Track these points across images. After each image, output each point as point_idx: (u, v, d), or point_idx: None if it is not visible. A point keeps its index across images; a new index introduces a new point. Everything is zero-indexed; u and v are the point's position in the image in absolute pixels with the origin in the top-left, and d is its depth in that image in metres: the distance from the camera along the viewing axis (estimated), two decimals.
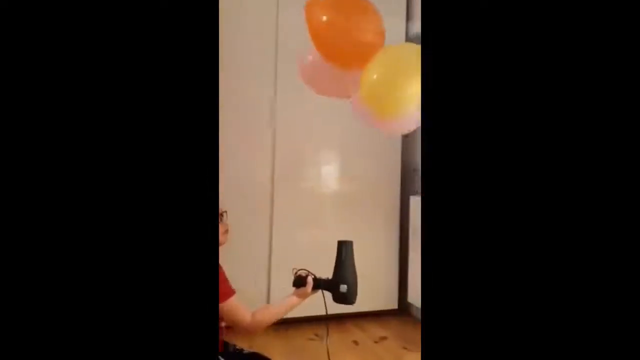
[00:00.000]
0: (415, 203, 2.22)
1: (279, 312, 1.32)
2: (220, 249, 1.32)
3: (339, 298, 1.33)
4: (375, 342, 1.97)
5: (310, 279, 1.33)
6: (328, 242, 2.16)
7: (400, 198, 2.39)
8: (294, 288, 1.35)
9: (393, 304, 2.33)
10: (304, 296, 1.33)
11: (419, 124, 1.29)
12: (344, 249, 1.39)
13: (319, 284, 1.34)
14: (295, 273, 1.37)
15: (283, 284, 2.05)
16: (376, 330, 2.08)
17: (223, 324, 1.36)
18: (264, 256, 2.12)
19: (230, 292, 1.24)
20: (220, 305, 1.18)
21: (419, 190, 2.37)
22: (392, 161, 2.38)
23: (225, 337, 1.39)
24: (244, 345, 1.45)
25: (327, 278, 1.35)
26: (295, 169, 2.21)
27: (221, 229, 1.29)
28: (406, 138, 2.43)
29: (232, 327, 1.31)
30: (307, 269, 1.39)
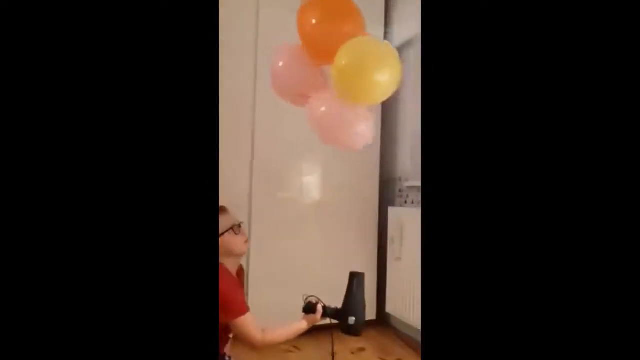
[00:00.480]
0: (393, 213, 2.23)
1: (288, 334, 1.37)
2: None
3: (346, 329, 1.36)
4: (352, 353, 1.96)
5: (320, 307, 1.37)
6: (305, 254, 2.17)
7: (378, 208, 2.40)
8: (303, 314, 1.40)
9: (371, 315, 2.33)
10: (312, 322, 1.38)
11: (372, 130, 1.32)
12: (356, 281, 1.40)
13: (327, 313, 1.37)
14: (306, 299, 1.41)
15: (260, 295, 2.05)
16: (354, 341, 2.06)
17: (231, 335, 1.41)
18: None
19: (244, 310, 1.29)
20: (234, 321, 1.27)
21: (397, 201, 2.39)
22: (370, 172, 2.40)
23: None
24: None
25: (337, 308, 1.38)
26: (274, 179, 2.20)
27: (242, 239, 1.38)
28: (384, 148, 2.45)
29: (242, 341, 1.36)
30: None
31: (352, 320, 1.34)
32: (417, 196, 2.23)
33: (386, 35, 2.42)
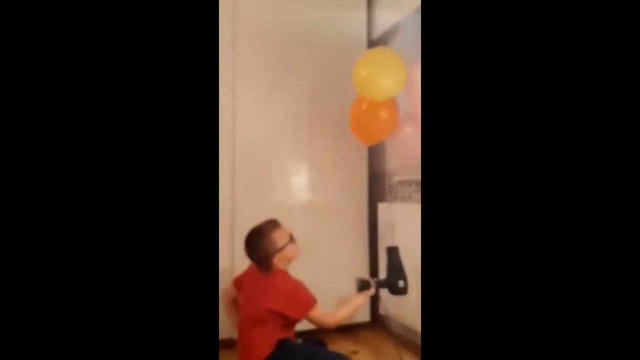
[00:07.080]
0: (383, 210, 2.17)
1: (350, 311, 1.56)
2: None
3: (398, 291, 1.62)
4: None
5: (372, 282, 1.61)
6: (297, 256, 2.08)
7: (367, 205, 2.33)
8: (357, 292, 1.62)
9: (365, 317, 2.26)
10: (368, 295, 1.61)
11: None
12: (394, 252, 1.66)
13: (379, 284, 1.62)
14: (358, 281, 1.64)
15: None
16: (348, 344, 1.99)
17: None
18: (227, 272, 2.00)
19: (314, 301, 1.47)
20: (308, 313, 1.45)
21: (387, 196, 2.32)
22: (358, 169, 2.33)
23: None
24: None
25: (385, 279, 1.64)
26: (258, 182, 2.11)
27: (297, 246, 1.59)
28: (372, 145, 2.38)
29: (317, 326, 1.55)
30: None
31: (401, 283, 1.61)
32: (406, 191, 2.17)
33: (369, 21, 2.36)
